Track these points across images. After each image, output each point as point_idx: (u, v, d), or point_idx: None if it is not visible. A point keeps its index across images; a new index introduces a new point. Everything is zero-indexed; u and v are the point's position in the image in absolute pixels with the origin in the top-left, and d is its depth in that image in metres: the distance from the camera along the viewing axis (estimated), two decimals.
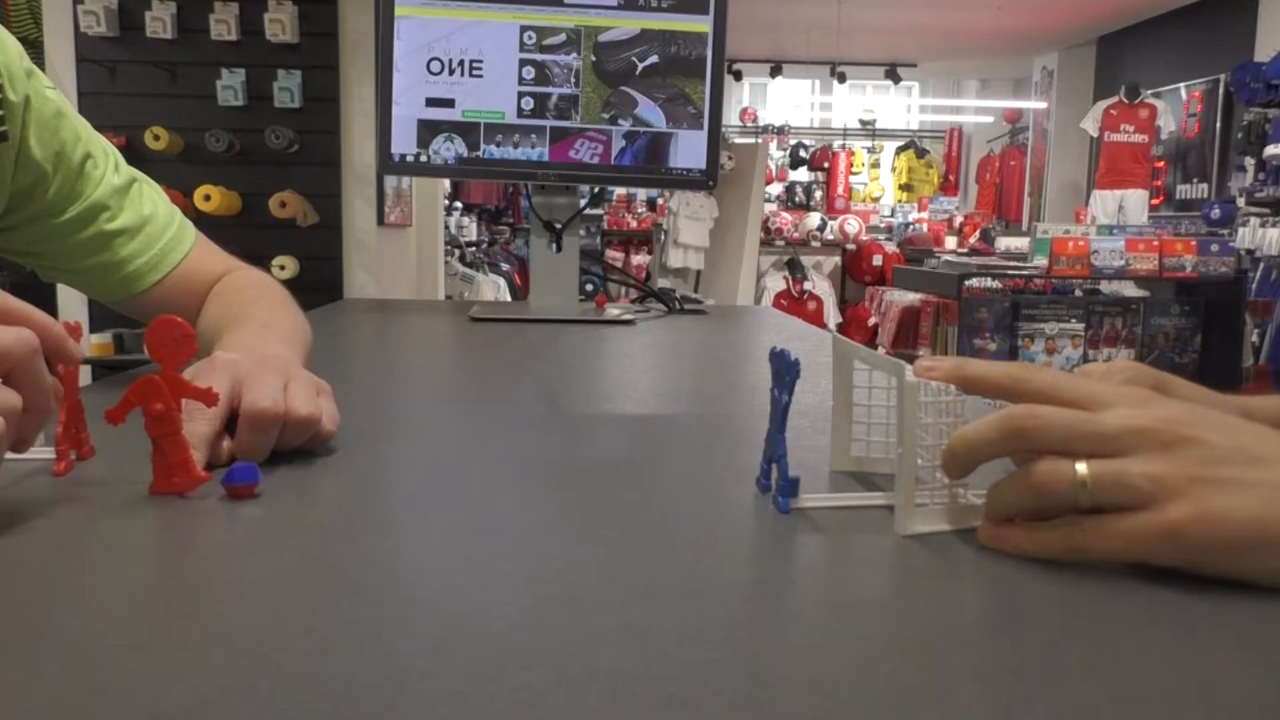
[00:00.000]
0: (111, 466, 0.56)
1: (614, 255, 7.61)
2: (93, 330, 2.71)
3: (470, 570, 0.41)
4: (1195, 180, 7.24)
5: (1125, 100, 7.37)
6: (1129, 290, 4.36)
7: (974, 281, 4.29)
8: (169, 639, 0.34)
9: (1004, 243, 6.41)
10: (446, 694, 0.30)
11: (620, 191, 7.77)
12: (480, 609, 0.37)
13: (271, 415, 0.55)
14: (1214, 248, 4.09)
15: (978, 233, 8.13)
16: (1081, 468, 0.41)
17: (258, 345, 0.70)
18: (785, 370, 0.50)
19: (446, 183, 4.79)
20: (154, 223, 0.91)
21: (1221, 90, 6.87)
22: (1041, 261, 4.14)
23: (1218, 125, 6.95)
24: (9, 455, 0.46)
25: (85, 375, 2.42)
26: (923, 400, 0.45)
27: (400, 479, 0.57)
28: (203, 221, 2.58)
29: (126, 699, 0.30)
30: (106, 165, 0.88)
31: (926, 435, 0.46)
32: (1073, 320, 4.10)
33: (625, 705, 0.30)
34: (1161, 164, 7.46)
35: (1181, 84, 7.35)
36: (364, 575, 0.41)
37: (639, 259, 7.67)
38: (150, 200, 0.91)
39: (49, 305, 2.51)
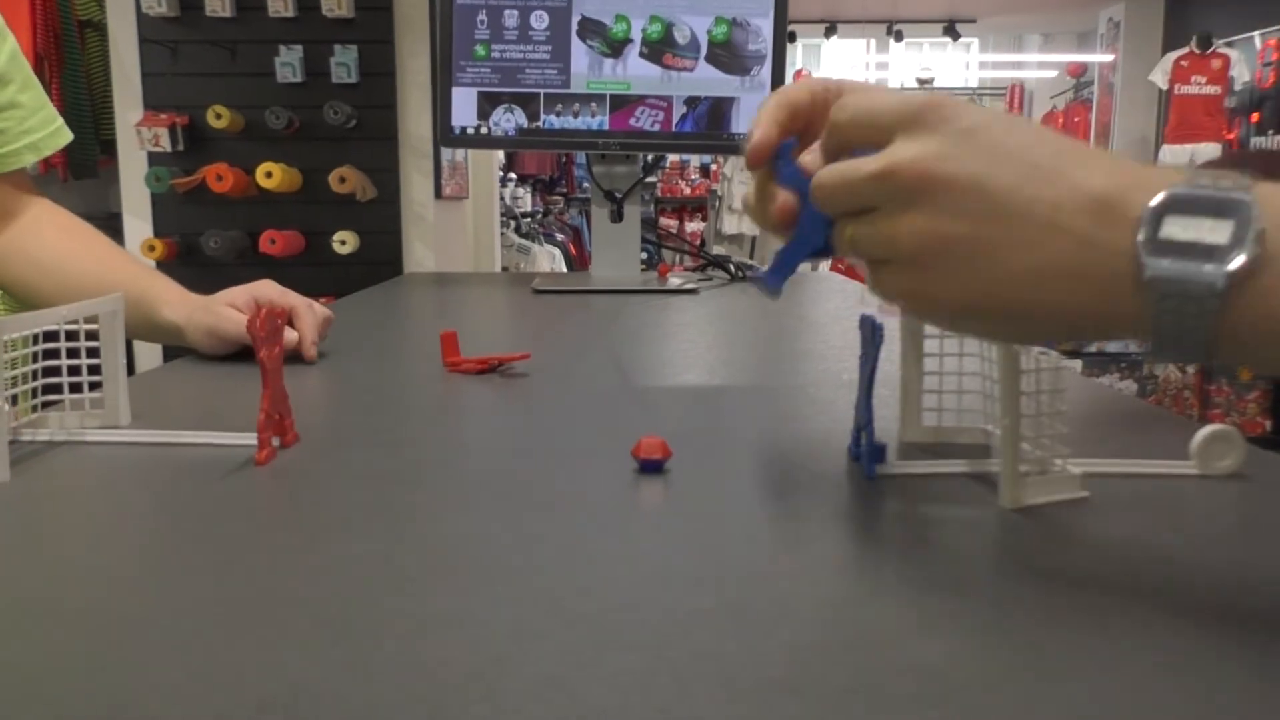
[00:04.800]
0: (318, 453, 0.57)
1: (667, 223, 7.57)
2: None
3: (558, 549, 0.41)
4: (1271, 132, 6.95)
5: (1196, 50, 7.10)
6: None
7: None
8: (267, 622, 0.34)
9: None
10: (546, 678, 0.30)
11: (673, 158, 7.71)
12: (573, 589, 0.36)
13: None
14: None
15: None
16: (850, 230, 0.40)
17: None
18: (872, 336, 0.49)
19: (501, 154, 4.79)
20: (47, 107, 0.96)
21: None
22: None
23: None
24: (217, 440, 0.57)
25: (156, 355, 2.48)
26: (1023, 369, 0.44)
27: (479, 456, 0.57)
28: (265, 198, 2.62)
29: (231, 683, 0.30)
30: (6, 37, 0.91)
31: (1028, 404, 0.44)
32: None
33: (729, 690, 0.29)
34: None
35: (1256, 32, 7.05)
36: (452, 555, 0.40)
37: (693, 226, 7.62)
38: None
39: None
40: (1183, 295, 0.32)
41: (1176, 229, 0.32)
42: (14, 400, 0.55)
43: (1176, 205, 0.33)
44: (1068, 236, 0.34)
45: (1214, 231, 0.32)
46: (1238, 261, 0.31)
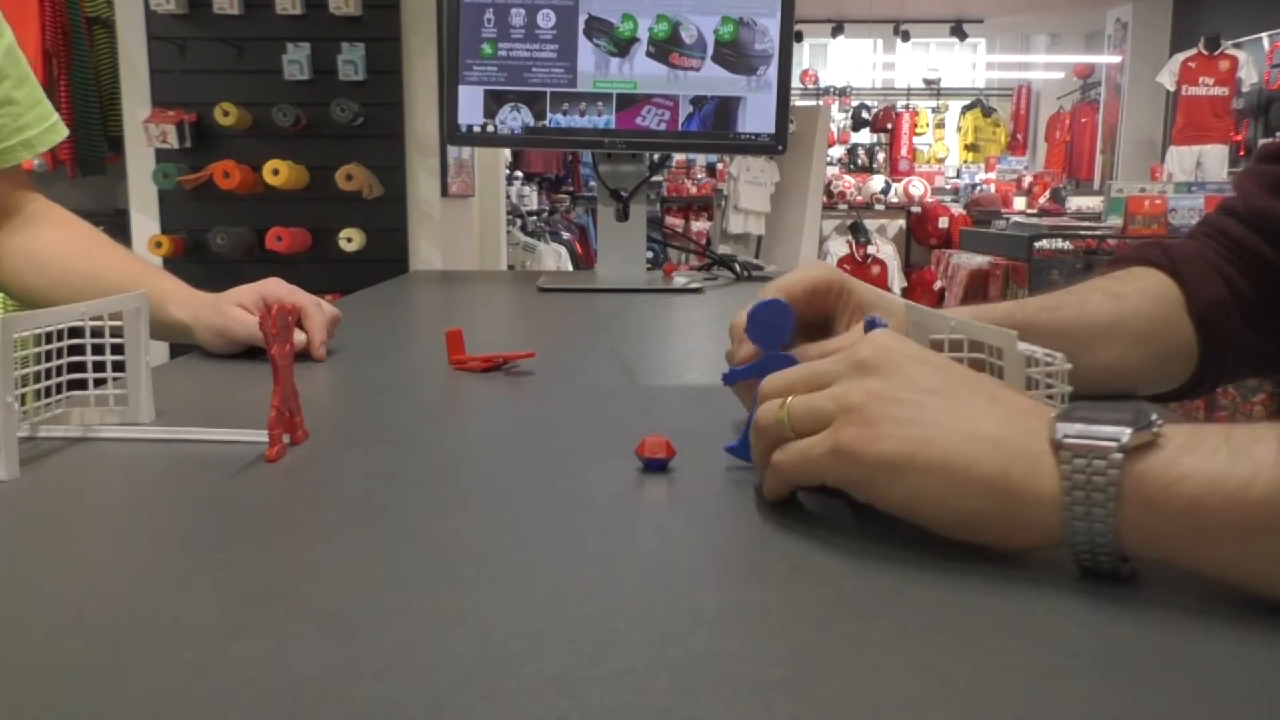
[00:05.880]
0: (321, 451, 0.57)
1: (673, 222, 7.57)
2: None
3: (560, 548, 0.41)
4: (1279, 134, 6.93)
5: (1204, 52, 7.08)
6: None
7: (1044, 243, 4.18)
8: (268, 618, 0.34)
9: (1075, 202, 6.24)
10: (548, 677, 0.30)
11: (679, 157, 7.70)
12: (575, 588, 0.37)
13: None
14: None
15: (1047, 193, 7.90)
16: (786, 401, 0.44)
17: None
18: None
19: (507, 152, 4.79)
20: (42, 103, 0.95)
21: None
22: (1116, 221, 4.01)
23: None
24: (228, 438, 0.57)
25: (162, 351, 2.49)
26: (1030, 374, 0.44)
27: (483, 454, 0.57)
28: (272, 195, 2.62)
29: (232, 680, 0.30)
30: (4, 31, 0.90)
31: None
32: None
33: (731, 689, 0.29)
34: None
35: (1264, 34, 7.02)
36: (454, 553, 0.40)
37: (699, 225, 7.62)
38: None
39: None
40: (1090, 453, 0.36)
41: (1084, 412, 0.38)
42: (22, 400, 0.55)
43: (1083, 407, 0.38)
44: (1000, 415, 0.39)
45: (1115, 414, 0.37)
46: (1140, 425, 0.36)
